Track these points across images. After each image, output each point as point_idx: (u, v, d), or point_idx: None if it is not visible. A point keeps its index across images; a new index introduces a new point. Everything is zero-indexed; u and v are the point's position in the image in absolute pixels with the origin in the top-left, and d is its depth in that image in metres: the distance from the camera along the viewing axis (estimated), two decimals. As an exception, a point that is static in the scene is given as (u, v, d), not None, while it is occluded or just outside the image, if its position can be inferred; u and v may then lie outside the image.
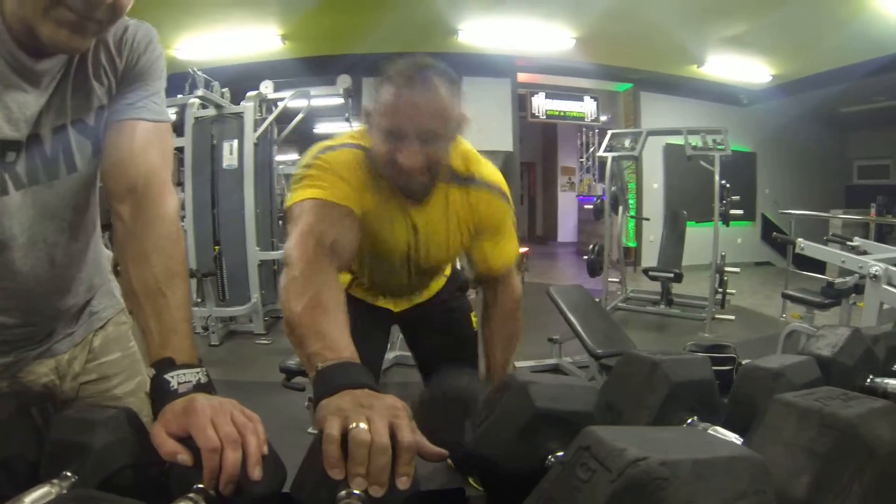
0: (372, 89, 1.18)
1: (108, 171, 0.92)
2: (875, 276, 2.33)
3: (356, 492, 0.58)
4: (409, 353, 2.26)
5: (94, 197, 0.99)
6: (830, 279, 3.22)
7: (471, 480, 1.96)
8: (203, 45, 6.31)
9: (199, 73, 4.76)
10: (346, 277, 1.60)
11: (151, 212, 0.90)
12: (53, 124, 0.86)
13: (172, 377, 0.78)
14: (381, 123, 1.13)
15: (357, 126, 1.34)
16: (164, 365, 0.80)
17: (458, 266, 1.87)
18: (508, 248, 1.45)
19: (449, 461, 2.17)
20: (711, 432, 0.73)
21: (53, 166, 0.87)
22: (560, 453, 0.67)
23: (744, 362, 0.98)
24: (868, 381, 0.95)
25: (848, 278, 2.92)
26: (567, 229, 12.23)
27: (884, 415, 0.55)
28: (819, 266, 4.99)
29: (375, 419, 0.62)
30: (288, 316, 0.90)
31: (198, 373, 0.81)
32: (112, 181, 0.91)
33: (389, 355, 3.89)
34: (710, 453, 0.44)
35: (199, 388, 0.79)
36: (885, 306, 2.31)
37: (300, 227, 1.06)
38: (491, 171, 1.38)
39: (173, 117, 6.45)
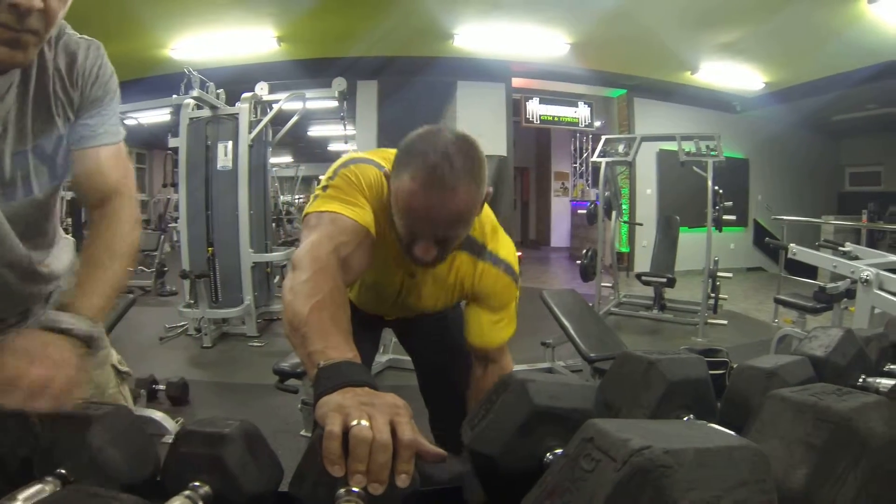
0: (394, 159, 1.10)
1: (80, 187, 1.07)
2: (867, 281, 2.36)
3: (355, 489, 0.58)
4: (402, 357, 2.26)
5: (55, 209, 1.13)
6: (822, 284, 3.25)
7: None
8: (199, 45, 6.32)
9: (195, 73, 4.75)
10: None
11: (115, 216, 1.08)
12: (14, 149, 0.90)
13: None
14: (398, 215, 1.09)
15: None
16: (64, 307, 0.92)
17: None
18: (507, 328, 1.41)
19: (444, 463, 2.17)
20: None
21: (11, 189, 0.93)
22: (559, 451, 0.67)
23: (735, 365, 0.99)
24: (861, 380, 0.96)
25: (840, 283, 2.95)
26: (560, 234, 12.26)
27: (876, 409, 0.56)
28: (811, 271, 5.04)
29: (377, 416, 0.62)
30: (292, 316, 0.88)
31: (83, 323, 0.89)
32: (84, 195, 1.09)
33: (382, 358, 3.89)
34: (711, 443, 0.45)
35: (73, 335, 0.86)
36: (877, 310, 2.33)
37: (318, 234, 1.05)
38: (506, 249, 1.36)
39: (167, 117, 6.48)
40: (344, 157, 1.23)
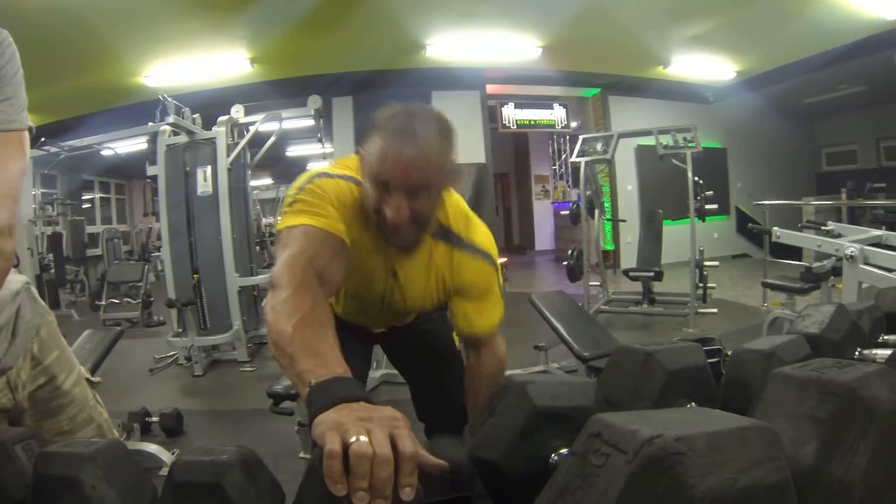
0: (366, 136, 1.15)
1: None
2: (851, 257, 2.38)
3: None
4: (395, 371, 2.25)
5: None
6: (808, 264, 3.27)
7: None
8: (172, 71, 6.30)
9: (170, 99, 4.71)
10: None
11: None
12: None
13: None
14: (370, 173, 1.12)
15: (350, 154, 1.31)
16: None
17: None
18: (493, 313, 1.41)
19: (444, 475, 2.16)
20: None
21: None
22: (564, 450, 0.67)
23: (730, 352, 0.99)
24: (857, 353, 0.96)
25: (825, 262, 2.97)
26: (544, 237, 12.29)
27: (879, 377, 0.56)
28: (795, 253, 5.10)
29: (376, 431, 0.61)
30: (276, 336, 0.87)
31: None
32: None
33: (376, 374, 3.87)
34: (720, 426, 0.44)
35: None
36: (864, 285, 2.35)
37: (291, 251, 1.04)
38: (482, 237, 1.37)
39: (143, 146, 6.43)
40: (308, 173, 1.24)
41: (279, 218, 1.22)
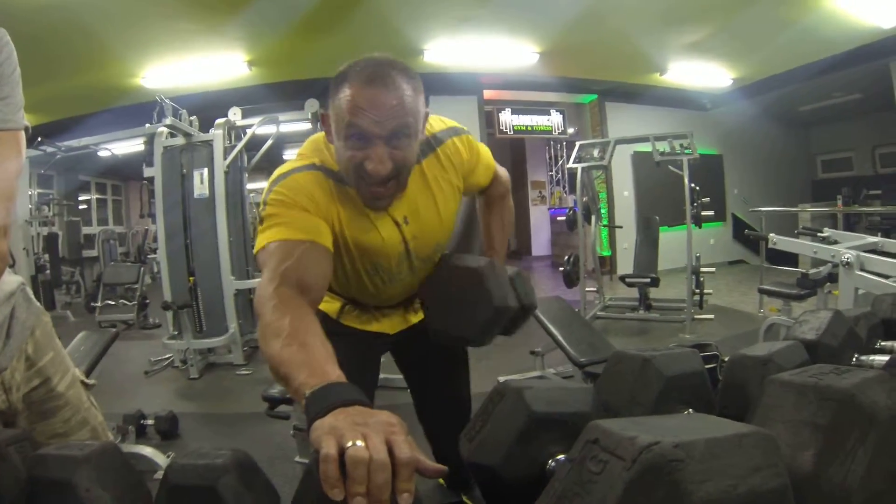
0: (328, 93, 1.12)
1: None
2: (848, 264, 2.39)
3: None
4: (393, 376, 2.23)
5: None
6: (804, 271, 3.29)
7: (465, 498, 1.95)
8: (169, 73, 6.28)
9: (167, 101, 4.71)
10: (334, 306, 1.55)
11: None
12: None
13: None
14: (342, 128, 1.07)
15: (309, 144, 1.29)
16: None
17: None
18: (486, 163, 1.48)
19: (441, 480, 2.15)
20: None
21: None
22: (561, 456, 0.66)
23: (727, 358, 0.99)
24: (854, 359, 0.96)
25: (821, 268, 2.99)
26: (541, 243, 12.28)
27: (878, 383, 0.56)
28: (791, 259, 5.12)
29: (372, 436, 0.61)
30: (269, 360, 0.88)
31: None
32: None
33: (377, 384, 3.85)
34: (719, 432, 0.44)
35: None
36: (860, 291, 2.36)
37: (266, 274, 1.04)
38: (439, 121, 1.37)
39: (140, 147, 6.42)
40: (268, 182, 1.21)
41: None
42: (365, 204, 1.20)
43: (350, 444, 0.59)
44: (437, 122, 1.36)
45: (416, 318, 1.65)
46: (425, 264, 1.45)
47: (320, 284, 1.11)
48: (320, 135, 1.26)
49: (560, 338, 3.06)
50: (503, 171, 1.59)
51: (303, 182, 1.18)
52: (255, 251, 1.14)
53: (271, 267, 1.04)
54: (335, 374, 0.79)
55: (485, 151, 1.47)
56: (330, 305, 1.54)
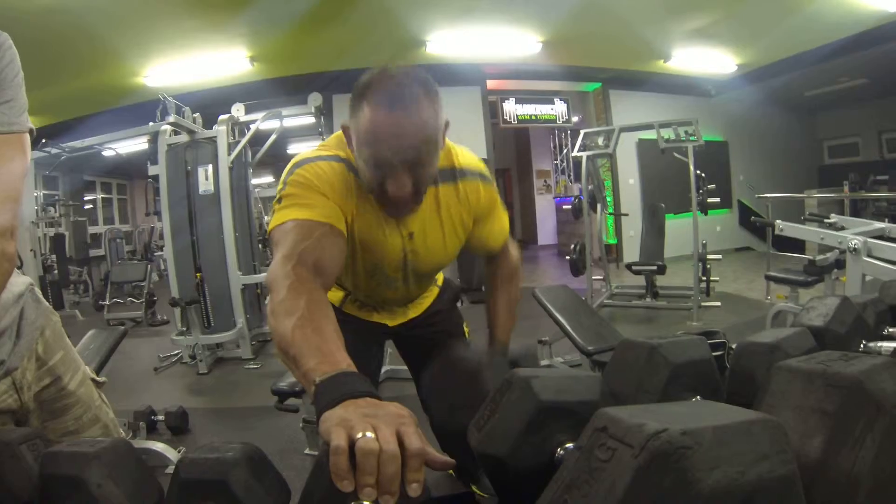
0: (348, 106, 1.10)
1: None
2: (855, 250, 2.37)
3: (366, 503, 0.57)
4: (400, 367, 2.25)
5: None
6: (811, 257, 3.27)
7: (474, 488, 1.96)
8: (172, 71, 6.29)
9: (170, 99, 4.71)
10: (337, 294, 1.57)
11: None
12: None
13: None
14: (364, 151, 1.07)
15: (333, 138, 1.29)
16: None
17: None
18: (502, 225, 1.46)
19: (450, 471, 2.16)
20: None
21: None
22: (569, 445, 0.67)
23: (734, 345, 0.99)
24: (862, 346, 0.96)
25: (828, 255, 2.97)
26: (547, 231, 12.27)
27: (886, 369, 0.55)
28: (798, 246, 5.09)
29: (382, 427, 0.61)
30: (279, 339, 0.87)
31: None
32: None
33: (381, 369, 3.86)
34: (727, 419, 0.44)
35: None
36: (868, 277, 2.35)
37: (282, 251, 1.03)
38: (470, 158, 1.36)
39: (145, 146, 6.42)
40: (290, 164, 1.22)
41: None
42: (385, 212, 1.21)
43: (360, 435, 0.59)
44: (470, 160, 1.36)
45: (417, 311, 1.67)
46: (420, 279, 1.48)
47: (334, 270, 1.10)
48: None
49: (567, 326, 3.06)
50: (515, 250, 1.58)
51: (326, 170, 1.18)
52: (269, 228, 1.14)
53: (288, 244, 1.04)
54: (346, 362, 0.79)
55: (502, 212, 1.47)
56: (333, 294, 1.55)
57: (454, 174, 1.32)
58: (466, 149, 1.38)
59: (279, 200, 1.15)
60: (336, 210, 1.15)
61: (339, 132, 1.27)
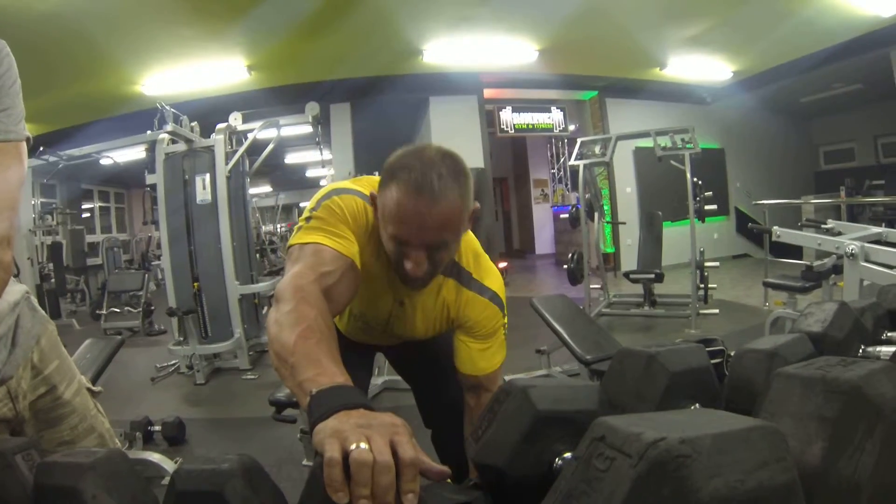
0: (379, 178, 1.12)
1: None
2: (852, 255, 2.38)
3: None
4: (397, 377, 2.24)
5: None
6: (809, 263, 3.27)
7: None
8: (169, 80, 6.32)
9: (168, 108, 4.72)
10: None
11: None
12: None
13: None
14: (388, 227, 1.09)
15: (368, 179, 1.30)
16: None
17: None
18: (496, 355, 1.41)
19: (448, 480, 2.15)
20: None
21: None
22: (567, 454, 0.66)
23: (733, 352, 0.98)
24: (860, 351, 0.96)
25: (826, 260, 2.97)
26: (544, 241, 12.28)
27: (885, 374, 0.55)
28: (796, 252, 5.11)
29: (376, 438, 0.61)
30: (279, 347, 0.87)
31: None
32: None
33: (378, 381, 3.86)
34: (726, 427, 0.44)
35: None
36: (866, 282, 2.35)
37: (300, 266, 1.04)
38: (492, 278, 1.36)
39: (142, 154, 6.43)
40: (327, 188, 1.23)
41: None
42: (401, 282, 1.21)
43: (354, 446, 0.59)
44: (489, 277, 1.36)
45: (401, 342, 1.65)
46: (399, 338, 1.50)
47: (343, 302, 1.12)
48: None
49: (565, 336, 3.06)
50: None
51: (358, 206, 1.20)
52: (291, 242, 1.14)
53: (310, 264, 1.05)
54: (343, 377, 0.78)
55: (501, 348, 1.42)
56: None
57: (466, 280, 1.33)
58: (496, 271, 1.39)
59: (308, 219, 1.15)
60: (357, 249, 1.16)
61: (374, 177, 1.27)
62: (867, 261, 2.37)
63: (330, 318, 0.98)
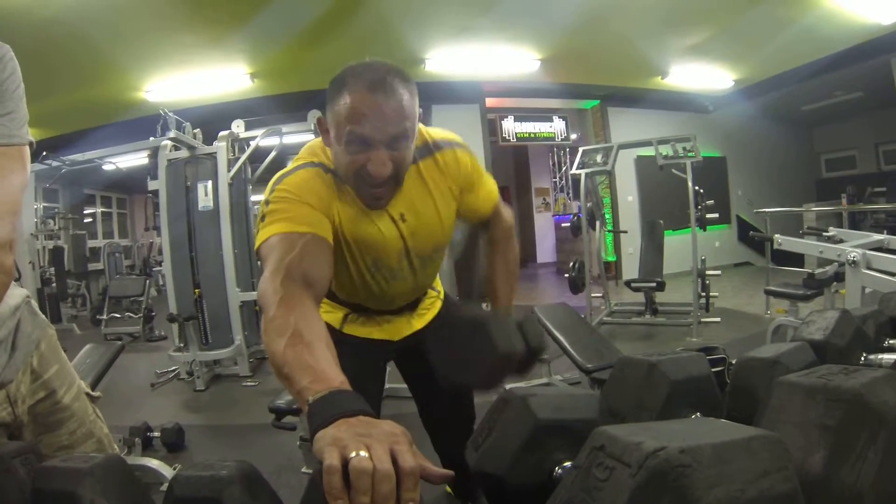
0: (326, 101, 1.14)
1: None
2: (854, 262, 2.37)
3: None
4: (397, 385, 2.24)
5: None
6: (811, 271, 3.26)
7: (472, 506, 1.93)
8: (172, 86, 6.33)
9: (171, 114, 4.74)
10: (337, 315, 1.55)
11: None
12: None
13: None
14: (343, 133, 1.10)
15: (305, 150, 1.33)
16: None
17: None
18: (489, 189, 1.46)
19: (448, 488, 2.14)
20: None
21: None
22: (567, 463, 0.66)
23: (734, 361, 0.98)
24: (863, 359, 0.95)
25: (828, 268, 2.97)
26: (545, 249, 12.26)
27: (887, 382, 0.55)
28: (797, 260, 5.10)
29: (375, 446, 0.60)
30: (272, 357, 0.87)
31: None
32: None
33: (383, 392, 3.84)
34: (726, 436, 0.44)
35: None
36: (867, 289, 2.34)
37: (269, 267, 1.04)
38: (442, 132, 1.39)
39: (145, 160, 6.44)
40: (269, 183, 1.23)
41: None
42: (365, 204, 1.23)
43: (353, 454, 0.59)
44: (438, 133, 1.39)
45: (421, 323, 1.64)
46: (425, 264, 1.46)
47: (323, 277, 1.11)
48: (316, 141, 1.30)
49: (566, 344, 3.05)
50: (508, 213, 1.57)
51: (305, 177, 1.21)
52: (256, 247, 1.15)
53: (275, 259, 1.04)
54: (338, 380, 0.78)
55: (488, 177, 1.47)
56: (333, 315, 1.54)
57: (430, 148, 1.34)
58: (437, 129, 1.41)
59: (262, 218, 1.16)
60: (319, 217, 1.16)
61: (309, 143, 1.32)
62: (869, 268, 2.36)
63: (315, 312, 0.98)
